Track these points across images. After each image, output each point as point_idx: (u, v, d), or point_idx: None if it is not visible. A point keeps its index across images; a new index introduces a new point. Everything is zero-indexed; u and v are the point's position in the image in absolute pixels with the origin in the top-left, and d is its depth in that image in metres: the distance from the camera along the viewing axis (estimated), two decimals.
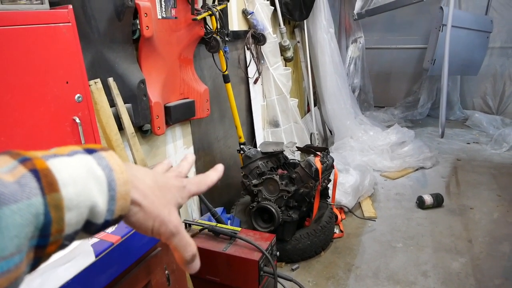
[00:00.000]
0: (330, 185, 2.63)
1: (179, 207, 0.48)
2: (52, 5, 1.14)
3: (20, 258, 0.31)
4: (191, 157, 0.58)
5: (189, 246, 0.46)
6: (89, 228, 0.38)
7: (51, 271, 0.62)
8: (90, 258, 0.75)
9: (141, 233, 0.44)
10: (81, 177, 0.36)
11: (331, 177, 2.57)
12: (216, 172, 0.55)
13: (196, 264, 0.48)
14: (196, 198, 2.45)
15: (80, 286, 0.72)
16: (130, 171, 0.42)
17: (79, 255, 0.64)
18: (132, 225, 0.43)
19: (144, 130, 1.86)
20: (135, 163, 1.65)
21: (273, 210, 2.19)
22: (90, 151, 0.39)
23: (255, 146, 3.05)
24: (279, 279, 1.78)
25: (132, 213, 0.42)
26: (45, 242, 0.33)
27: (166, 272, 1.07)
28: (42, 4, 1.07)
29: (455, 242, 2.57)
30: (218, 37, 2.17)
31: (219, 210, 2.31)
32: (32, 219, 0.31)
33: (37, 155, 0.35)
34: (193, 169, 2.44)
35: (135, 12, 1.63)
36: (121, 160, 0.41)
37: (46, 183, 0.33)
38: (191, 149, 2.37)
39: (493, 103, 5.45)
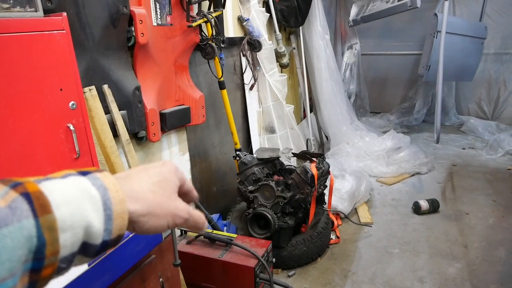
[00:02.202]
0: (326, 191, 2.63)
1: (178, 188, 0.49)
2: (46, 12, 1.14)
3: (13, 282, 0.30)
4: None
5: (200, 219, 0.49)
6: (87, 250, 0.37)
7: None
8: (83, 267, 0.75)
9: (159, 233, 0.46)
10: (75, 197, 0.35)
11: (327, 183, 2.57)
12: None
13: (205, 225, 0.51)
14: (192, 204, 2.43)
15: None
16: (127, 185, 0.42)
17: (81, 265, 0.64)
18: (147, 232, 0.43)
19: (139, 137, 1.86)
20: None
21: (269, 216, 2.18)
22: (84, 173, 0.39)
23: (251, 152, 3.05)
24: (275, 285, 1.78)
25: (143, 223, 0.42)
26: (40, 265, 0.33)
27: (161, 279, 1.07)
28: (36, 11, 1.07)
29: (451, 247, 2.57)
30: (213, 44, 2.18)
31: (215, 216, 2.30)
32: (25, 242, 0.31)
33: (29, 180, 0.35)
34: (189, 176, 2.43)
35: (130, 19, 1.64)
36: (115, 179, 0.40)
37: (38, 205, 0.32)
38: (187, 155, 2.37)
39: (488, 109, 5.49)
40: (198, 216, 0.49)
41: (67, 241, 0.34)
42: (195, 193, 0.54)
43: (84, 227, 0.35)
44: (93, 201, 0.37)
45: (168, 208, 0.44)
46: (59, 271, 0.35)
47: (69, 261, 0.36)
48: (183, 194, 0.51)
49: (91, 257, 0.39)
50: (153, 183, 0.45)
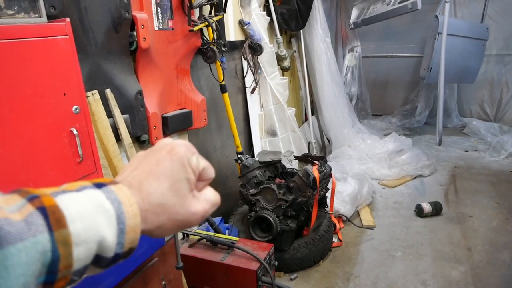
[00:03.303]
0: (328, 194, 2.63)
1: (194, 183, 0.46)
2: (50, 18, 1.15)
3: None
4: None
5: (216, 205, 0.49)
6: (99, 262, 0.37)
7: None
8: None
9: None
10: (89, 212, 0.36)
11: (329, 186, 2.57)
12: None
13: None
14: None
15: None
16: (139, 198, 0.41)
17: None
18: (162, 237, 0.45)
19: (141, 141, 1.87)
20: None
21: (271, 219, 2.18)
22: (99, 186, 0.39)
23: (252, 155, 3.06)
24: None
25: (157, 234, 0.43)
26: (53, 278, 0.33)
27: (163, 282, 1.07)
28: (40, 17, 1.08)
29: (454, 250, 2.56)
30: (215, 48, 2.19)
31: (217, 219, 2.30)
32: (39, 257, 0.31)
33: (46, 192, 0.35)
34: None
35: (132, 23, 1.65)
36: (130, 192, 0.40)
37: (54, 219, 0.33)
38: None
39: (491, 111, 5.47)
40: (213, 210, 0.48)
41: (81, 255, 0.35)
42: (210, 170, 0.49)
43: (97, 241, 0.36)
44: (107, 215, 0.37)
45: (181, 218, 0.44)
46: (71, 282, 0.36)
47: (82, 273, 0.36)
48: (198, 176, 0.47)
49: (103, 268, 0.39)
50: (163, 192, 0.42)
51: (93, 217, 0.36)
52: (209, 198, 0.47)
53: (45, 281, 0.33)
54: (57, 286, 0.34)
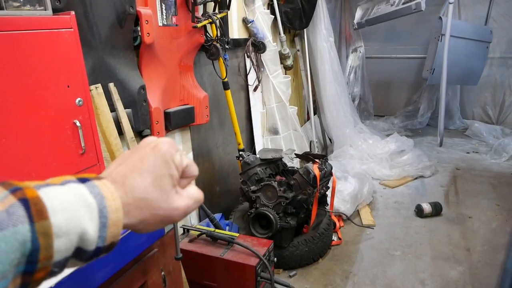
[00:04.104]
0: (329, 193, 2.64)
1: (178, 180, 0.47)
2: (55, 11, 1.17)
3: (4, 284, 0.31)
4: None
5: (199, 202, 0.49)
6: (81, 255, 0.38)
7: None
8: None
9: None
10: (72, 205, 0.36)
11: (330, 184, 2.58)
12: None
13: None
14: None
15: (75, 283, 0.74)
16: (122, 192, 0.42)
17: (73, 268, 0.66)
18: (146, 232, 0.46)
19: (143, 135, 1.88)
20: None
21: (271, 216, 2.19)
22: (83, 180, 0.40)
23: (254, 153, 3.07)
24: (276, 285, 1.79)
25: (139, 229, 0.44)
26: (33, 268, 0.34)
27: (163, 273, 1.09)
28: (46, 10, 1.09)
29: (453, 250, 2.57)
30: (218, 45, 2.20)
31: (217, 216, 2.32)
32: (18, 246, 0.32)
33: (29, 185, 0.36)
34: None
35: (137, 19, 1.67)
36: (114, 188, 0.41)
37: (36, 211, 0.34)
38: (190, 155, 2.39)
39: (493, 113, 5.46)
40: (196, 207, 0.49)
41: (62, 247, 0.35)
42: (194, 168, 0.50)
43: (79, 233, 0.36)
44: (89, 208, 0.37)
45: (163, 213, 0.44)
46: (52, 274, 0.36)
47: (62, 265, 0.37)
48: (182, 173, 0.48)
49: (85, 261, 0.39)
50: (146, 187, 0.43)
51: (75, 210, 0.36)
52: (192, 195, 0.48)
53: (24, 271, 0.33)
54: (37, 276, 0.35)
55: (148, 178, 0.44)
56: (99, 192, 0.39)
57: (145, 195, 0.43)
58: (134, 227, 0.43)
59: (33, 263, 0.34)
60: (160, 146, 0.46)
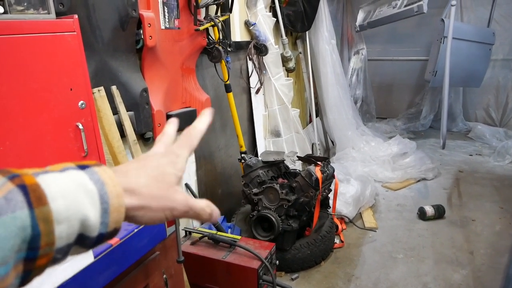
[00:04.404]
0: (331, 195, 2.63)
1: (181, 178, 0.48)
2: (58, 15, 1.17)
3: (5, 270, 0.31)
4: (174, 120, 0.57)
5: (202, 211, 0.48)
6: (83, 241, 0.38)
7: (49, 271, 0.64)
8: (89, 259, 0.77)
9: (157, 224, 0.46)
10: (71, 191, 0.36)
11: (332, 187, 2.57)
12: (202, 119, 0.54)
13: (215, 215, 0.50)
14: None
15: (78, 286, 0.74)
16: (124, 179, 0.42)
17: (77, 255, 0.66)
18: (146, 223, 0.44)
19: (146, 138, 1.89)
20: None
21: (273, 219, 2.19)
22: (82, 167, 0.39)
23: (256, 155, 3.07)
24: (278, 287, 1.78)
25: (140, 216, 0.43)
26: (35, 255, 0.34)
27: (164, 276, 1.09)
28: (49, 14, 1.10)
29: (456, 253, 2.55)
30: (220, 47, 2.21)
31: (219, 218, 2.31)
32: (18, 232, 0.32)
33: (27, 172, 0.36)
34: (194, 178, 2.45)
35: (139, 22, 1.67)
36: (113, 173, 0.41)
37: (34, 197, 0.33)
38: (192, 157, 2.40)
39: (496, 115, 5.45)
40: (200, 208, 0.48)
41: (63, 233, 0.35)
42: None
43: (80, 219, 0.36)
44: (89, 194, 0.37)
45: (165, 201, 0.44)
46: (55, 261, 0.36)
47: (65, 252, 0.37)
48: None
49: (88, 248, 0.39)
50: (150, 177, 0.44)
51: (75, 195, 0.36)
52: (194, 202, 0.48)
53: (26, 257, 0.33)
54: (39, 263, 0.34)
55: (153, 172, 0.45)
56: (99, 179, 0.39)
57: (147, 183, 0.44)
58: (135, 214, 0.43)
59: (35, 249, 0.33)
60: (169, 152, 0.49)
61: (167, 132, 0.54)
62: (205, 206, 0.49)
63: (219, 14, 2.32)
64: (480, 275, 2.31)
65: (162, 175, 0.45)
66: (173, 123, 0.56)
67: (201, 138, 0.53)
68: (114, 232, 0.40)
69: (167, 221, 0.46)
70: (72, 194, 0.36)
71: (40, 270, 0.35)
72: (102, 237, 0.39)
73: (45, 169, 0.38)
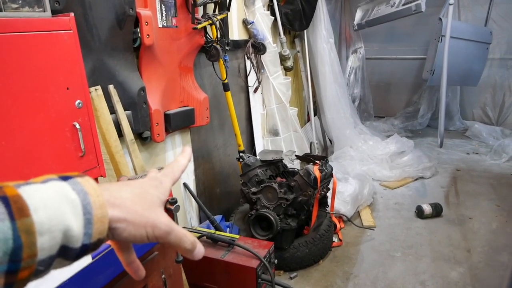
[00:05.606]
0: (329, 194, 2.63)
1: (164, 203, 0.48)
2: (54, 13, 1.16)
3: None
4: (188, 150, 0.58)
5: (185, 237, 0.47)
6: (66, 253, 0.37)
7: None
8: (87, 260, 0.76)
9: (139, 243, 0.45)
10: (53, 201, 0.36)
11: (330, 185, 2.57)
12: (184, 155, 0.56)
13: (200, 250, 0.49)
14: (195, 205, 2.45)
15: (77, 287, 0.73)
16: (106, 192, 0.42)
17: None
18: (126, 239, 0.43)
19: (143, 137, 1.88)
20: (135, 170, 1.66)
21: (272, 218, 2.19)
22: (65, 178, 0.39)
23: (254, 154, 3.07)
24: (277, 286, 1.78)
25: (121, 230, 0.42)
26: (16, 267, 0.33)
27: (163, 276, 1.08)
28: (44, 11, 1.09)
29: (453, 251, 2.56)
30: (218, 46, 2.20)
31: (218, 218, 2.31)
32: (0, 245, 0.31)
33: (8, 184, 0.35)
34: (193, 177, 2.45)
35: (136, 20, 1.66)
36: (96, 185, 0.40)
37: (16, 208, 0.33)
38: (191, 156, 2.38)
39: (493, 114, 5.47)
40: (183, 233, 0.47)
41: (45, 244, 0.34)
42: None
43: (62, 230, 0.36)
44: (72, 205, 0.37)
45: (148, 218, 0.44)
46: (37, 273, 0.35)
47: (48, 264, 0.36)
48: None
49: (71, 260, 0.39)
50: (134, 193, 0.45)
51: (57, 206, 0.36)
52: (177, 226, 0.48)
53: (7, 270, 0.32)
54: (21, 275, 0.34)
55: (136, 190, 0.46)
56: (82, 189, 0.38)
57: (129, 197, 0.44)
58: (117, 227, 0.42)
59: (16, 262, 0.33)
60: (153, 177, 0.51)
61: (180, 163, 0.56)
62: (188, 233, 0.48)
63: (217, 12, 2.31)
64: (477, 273, 2.32)
65: (145, 193, 0.46)
66: (186, 156, 0.57)
67: (183, 172, 0.55)
68: (98, 243, 0.40)
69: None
70: (55, 205, 0.36)
71: (22, 283, 0.34)
72: (86, 248, 0.38)
73: (27, 181, 0.37)
